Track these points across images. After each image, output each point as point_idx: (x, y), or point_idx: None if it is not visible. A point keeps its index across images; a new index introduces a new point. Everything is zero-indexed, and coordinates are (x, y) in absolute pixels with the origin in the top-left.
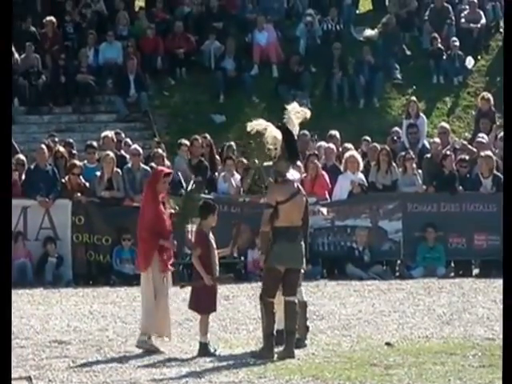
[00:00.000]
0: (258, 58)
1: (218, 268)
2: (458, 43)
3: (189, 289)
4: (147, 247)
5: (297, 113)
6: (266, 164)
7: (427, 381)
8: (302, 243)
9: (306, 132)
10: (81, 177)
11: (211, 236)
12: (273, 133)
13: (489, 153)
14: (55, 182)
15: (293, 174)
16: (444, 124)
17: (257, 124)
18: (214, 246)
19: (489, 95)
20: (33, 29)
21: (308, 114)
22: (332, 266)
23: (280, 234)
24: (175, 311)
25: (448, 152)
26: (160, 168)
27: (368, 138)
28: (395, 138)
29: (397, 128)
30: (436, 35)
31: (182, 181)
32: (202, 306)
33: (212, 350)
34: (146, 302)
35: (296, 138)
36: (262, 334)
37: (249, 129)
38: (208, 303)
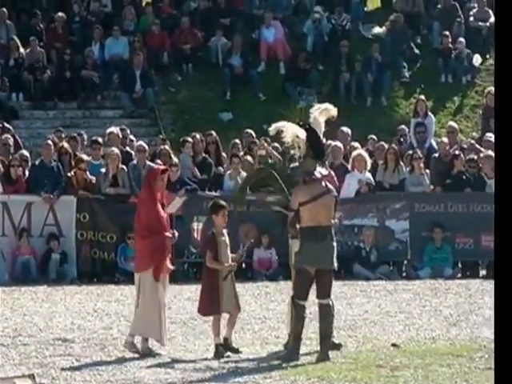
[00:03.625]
0: (265, 55)
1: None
2: (466, 42)
3: (194, 287)
4: (145, 247)
5: (322, 111)
6: (292, 165)
7: (433, 382)
8: (334, 243)
9: None
10: (87, 172)
11: (224, 237)
12: (293, 132)
13: (491, 153)
14: (60, 179)
15: (320, 172)
16: (452, 123)
17: (276, 126)
18: (227, 244)
19: None
20: (40, 24)
21: (334, 112)
22: (338, 265)
23: (307, 235)
24: (180, 310)
25: (457, 152)
26: (156, 166)
27: (374, 136)
28: (401, 137)
29: (403, 126)
30: (446, 33)
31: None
32: (202, 308)
33: (225, 353)
34: (144, 303)
35: (321, 135)
36: (291, 336)
37: (272, 133)
38: (210, 306)
